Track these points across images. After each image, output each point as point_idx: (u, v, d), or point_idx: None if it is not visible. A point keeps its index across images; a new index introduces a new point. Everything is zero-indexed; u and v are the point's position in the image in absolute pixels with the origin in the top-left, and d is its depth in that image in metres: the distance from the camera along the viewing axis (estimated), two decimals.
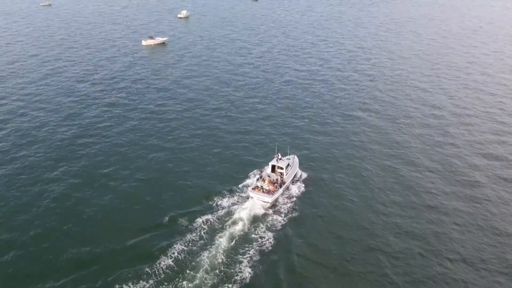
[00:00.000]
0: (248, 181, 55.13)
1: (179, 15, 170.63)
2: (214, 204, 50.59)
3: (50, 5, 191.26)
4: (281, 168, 54.09)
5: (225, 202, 51.14)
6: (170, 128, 71.43)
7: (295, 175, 56.10)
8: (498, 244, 46.61)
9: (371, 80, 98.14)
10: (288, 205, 51.40)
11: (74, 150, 63.52)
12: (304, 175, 57.38)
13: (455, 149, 66.86)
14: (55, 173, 57.29)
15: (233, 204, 50.89)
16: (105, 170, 58.10)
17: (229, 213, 49.07)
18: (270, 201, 50.58)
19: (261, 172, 55.57)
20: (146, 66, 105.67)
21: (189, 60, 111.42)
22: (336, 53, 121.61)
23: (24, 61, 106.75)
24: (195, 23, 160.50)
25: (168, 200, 51.93)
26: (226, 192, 52.94)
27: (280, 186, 52.49)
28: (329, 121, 75.75)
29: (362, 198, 53.46)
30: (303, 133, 70.95)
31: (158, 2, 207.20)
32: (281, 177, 53.70)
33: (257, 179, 53.64)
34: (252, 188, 51.76)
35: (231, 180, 55.77)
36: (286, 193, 53.34)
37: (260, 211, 49.55)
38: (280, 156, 55.54)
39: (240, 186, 54.40)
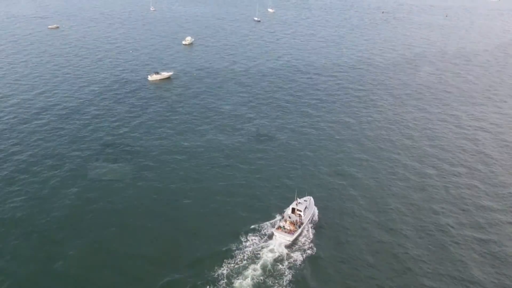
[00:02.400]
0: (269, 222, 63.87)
1: (183, 42, 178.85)
2: (241, 242, 59.05)
3: (57, 27, 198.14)
4: (300, 211, 62.95)
5: (251, 240, 59.63)
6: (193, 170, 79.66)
7: (312, 214, 65.07)
8: None
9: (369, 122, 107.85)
10: (306, 241, 60.44)
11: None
12: (318, 214, 66.28)
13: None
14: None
15: (259, 241, 59.57)
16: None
17: (257, 250, 57.64)
18: (291, 239, 59.48)
19: (283, 213, 64.35)
20: (153, 108, 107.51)
21: (195, 100, 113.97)
22: (334, 88, 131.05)
23: (22, 96, 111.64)
24: (200, 51, 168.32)
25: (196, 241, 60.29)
26: (251, 231, 61.36)
27: (299, 226, 61.30)
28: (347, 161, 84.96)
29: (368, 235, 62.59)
30: (317, 175, 79.15)
31: (163, 27, 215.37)
32: (300, 218, 62.49)
33: (280, 220, 62.60)
34: (276, 228, 60.53)
35: (256, 221, 63.87)
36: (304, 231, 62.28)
37: (283, 248, 58.42)
38: (299, 200, 64.36)
39: (264, 225, 62.95)
